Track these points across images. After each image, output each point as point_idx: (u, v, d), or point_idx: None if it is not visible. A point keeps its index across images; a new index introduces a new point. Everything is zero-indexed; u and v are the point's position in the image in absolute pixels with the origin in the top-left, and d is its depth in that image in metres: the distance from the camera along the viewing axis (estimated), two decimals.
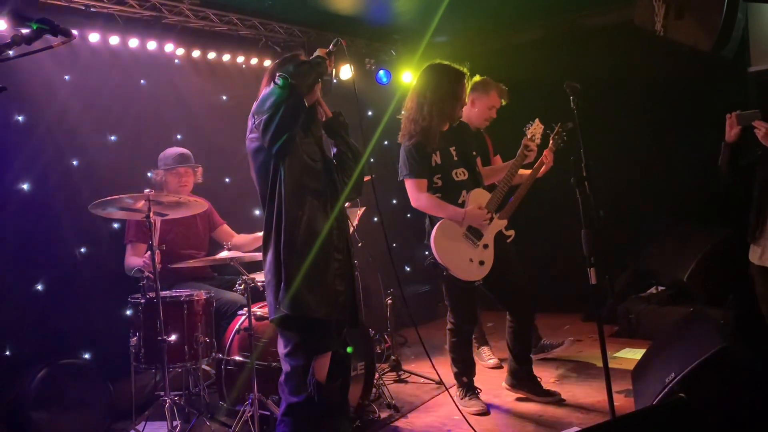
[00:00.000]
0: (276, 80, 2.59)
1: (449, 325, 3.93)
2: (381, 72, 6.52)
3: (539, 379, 4.00)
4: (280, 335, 2.70)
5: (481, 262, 3.74)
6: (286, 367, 2.65)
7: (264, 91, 2.74)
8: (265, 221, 2.68)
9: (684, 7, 4.87)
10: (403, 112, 3.93)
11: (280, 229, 2.59)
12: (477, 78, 4.42)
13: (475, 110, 4.40)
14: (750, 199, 3.79)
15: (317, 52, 2.80)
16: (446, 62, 3.84)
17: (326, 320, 2.64)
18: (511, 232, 3.97)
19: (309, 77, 2.65)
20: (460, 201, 3.78)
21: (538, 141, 3.99)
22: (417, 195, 3.74)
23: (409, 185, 3.76)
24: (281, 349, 2.66)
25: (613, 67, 5.63)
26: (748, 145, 3.77)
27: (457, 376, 3.96)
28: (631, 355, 4.65)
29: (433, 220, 3.79)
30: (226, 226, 4.52)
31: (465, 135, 3.94)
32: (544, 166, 4.05)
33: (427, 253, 3.81)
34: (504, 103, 4.45)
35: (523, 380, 3.98)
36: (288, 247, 2.58)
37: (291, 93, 2.56)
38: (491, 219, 3.77)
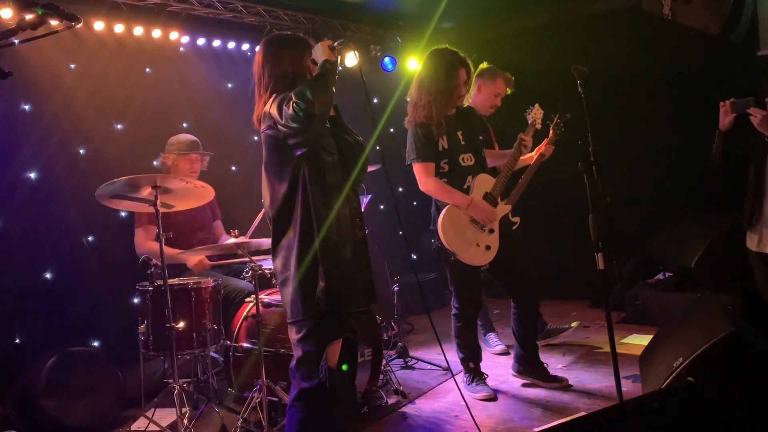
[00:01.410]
0: (295, 110, 2.40)
1: (454, 311, 3.94)
2: (386, 59, 6.49)
3: (546, 365, 4.01)
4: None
5: (488, 247, 3.74)
6: (297, 352, 2.64)
7: (277, 100, 2.52)
8: (282, 219, 2.60)
9: None
10: (407, 98, 3.91)
11: (311, 229, 2.54)
12: (484, 65, 4.42)
13: (480, 97, 4.39)
14: (744, 187, 3.79)
15: (320, 49, 2.59)
16: (447, 47, 3.79)
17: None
18: (517, 219, 3.99)
19: (327, 94, 2.50)
20: (465, 186, 3.78)
21: (538, 126, 4.00)
22: (425, 179, 3.74)
23: (417, 169, 3.76)
24: (293, 334, 2.64)
25: (620, 52, 5.60)
26: (740, 133, 3.77)
27: (463, 361, 3.97)
28: (638, 341, 4.64)
29: (440, 206, 3.79)
30: (219, 222, 4.55)
31: (471, 119, 3.93)
32: (543, 157, 4.06)
33: (433, 239, 3.81)
34: (510, 91, 4.45)
35: (529, 366, 3.98)
36: (324, 246, 2.55)
37: (313, 122, 2.45)
38: (496, 204, 3.77)
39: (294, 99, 2.41)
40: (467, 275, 3.79)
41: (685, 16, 4.88)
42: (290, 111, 2.41)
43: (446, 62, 3.74)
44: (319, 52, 2.60)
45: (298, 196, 2.56)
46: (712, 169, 3.87)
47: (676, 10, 4.91)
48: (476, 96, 4.39)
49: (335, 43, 2.62)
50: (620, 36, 5.67)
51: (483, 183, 3.80)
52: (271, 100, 2.58)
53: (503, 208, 3.83)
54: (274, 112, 2.52)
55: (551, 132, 4.07)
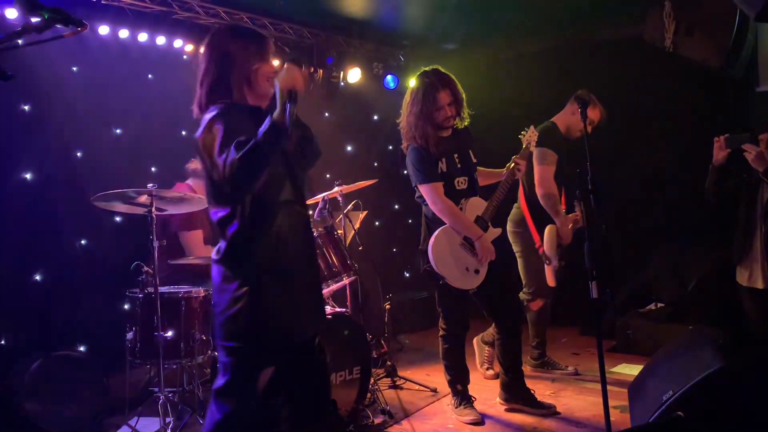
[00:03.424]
0: (231, 178, 2.12)
1: (441, 332, 3.91)
2: (389, 77, 6.53)
3: (533, 391, 3.98)
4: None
5: (477, 271, 3.72)
6: (225, 376, 2.34)
7: (217, 139, 2.17)
8: (219, 240, 2.35)
9: (694, 25, 4.89)
10: (398, 120, 3.86)
11: (251, 251, 2.30)
12: (584, 91, 4.39)
13: (574, 119, 4.35)
14: (735, 221, 3.81)
15: (284, 84, 2.17)
16: (435, 68, 3.75)
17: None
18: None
19: (274, 160, 2.18)
20: (458, 207, 3.74)
21: (533, 148, 3.96)
22: (436, 199, 3.65)
23: (426, 190, 3.68)
24: (222, 356, 2.37)
25: (621, 81, 5.62)
26: (734, 168, 3.80)
27: (450, 383, 3.93)
28: (628, 370, 4.63)
29: (430, 227, 3.75)
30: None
31: (467, 140, 3.87)
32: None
33: (422, 261, 3.75)
34: (600, 122, 4.38)
35: (516, 393, 3.95)
36: (265, 270, 2.30)
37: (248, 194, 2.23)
38: (487, 227, 3.74)
39: (232, 167, 2.09)
40: (455, 297, 3.76)
41: (686, 48, 4.92)
42: (226, 174, 2.12)
43: (425, 85, 3.68)
44: (286, 82, 2.17)
45: (237, 217, 2.29)
46: (705, 202, 3.89)
47: (678, 42, 4.95)
48: (571, 116, 4.36)
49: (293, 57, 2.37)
50: (621, 65, 5.70)
51: (475, 206, 3.76)
52: (207, 125, 2.25)
53: (493, 232, 3.81)
54: (208, 147, 2.21)
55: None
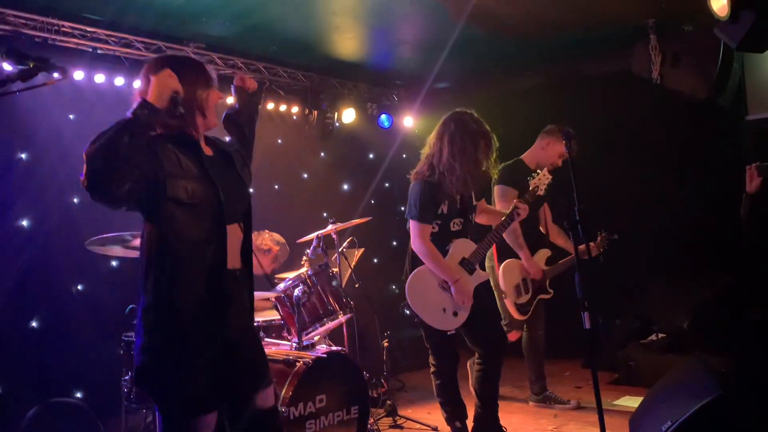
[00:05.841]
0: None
1: (432, 369, 3.79)
2: (383, 116, 6.61)
3: (505, 429, 3.82)
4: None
5: (455, 313, 3.61)
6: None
7: None
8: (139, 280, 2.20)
9: (680, 57, 4.98)
10: (424, 149, 3.73)
11: (160, 299, 2.12)
12: (552, 126, 4.46)
13: (544, 153, 4.43)
14: (765, 246, 3.78)
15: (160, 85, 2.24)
16: (475, 115, 3.65)
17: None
18: (551, 292, 4.39)
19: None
20: (447, 248, 3.68)
21: (541, 192, 3.79)
22: (419, 240, 3.60)
23: (414, 227, 3.63)
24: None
25: (612, 113, 5.69)
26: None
27: (448, 421, 3.81)
28: (631, 402, 4.56)
29: (414, 265, 3.70)
30: None
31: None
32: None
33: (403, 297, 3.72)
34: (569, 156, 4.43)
35: (488, 430, 3.77)
36: (166, 326, 2.11)
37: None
38: (473, 270, 3.67)
39: (89, 163, 2.11)
40: (440, 332, 3.65)
41: (673, 80, 5.00)
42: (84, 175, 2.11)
43: (476, 132, 3.57)
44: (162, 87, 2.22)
45: (145, 254, 2.20)
46: (742, 229, 3.84)
47: (665, 74, 5.04)
48: (540, 151, 4.43)
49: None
50: (612, 98, 5.78)
51: (462, 247, 3.68)
52: None
53: (481, 275, 3.71)
54: None
55: (598, 240, 4.47)
